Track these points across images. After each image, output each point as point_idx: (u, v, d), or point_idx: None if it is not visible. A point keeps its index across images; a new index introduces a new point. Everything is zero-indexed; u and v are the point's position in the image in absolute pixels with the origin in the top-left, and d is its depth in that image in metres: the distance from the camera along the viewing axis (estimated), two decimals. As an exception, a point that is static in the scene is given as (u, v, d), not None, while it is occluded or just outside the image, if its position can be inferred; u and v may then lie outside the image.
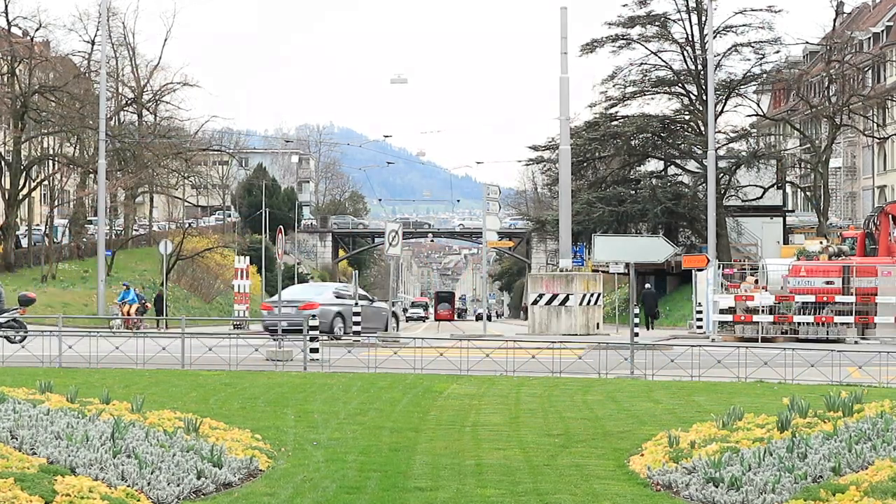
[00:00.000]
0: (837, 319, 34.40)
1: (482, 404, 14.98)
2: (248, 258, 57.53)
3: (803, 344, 27.75)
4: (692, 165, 62.13)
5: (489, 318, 67.10)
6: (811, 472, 8.82)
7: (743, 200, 63.18)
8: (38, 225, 74.25)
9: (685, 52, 62.35)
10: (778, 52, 63.58)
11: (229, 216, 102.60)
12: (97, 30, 68.65)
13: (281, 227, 38.79)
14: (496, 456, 10.81)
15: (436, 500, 8.81)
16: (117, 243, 72.40)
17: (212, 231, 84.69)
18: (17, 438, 9.59)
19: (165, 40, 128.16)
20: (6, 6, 62.69)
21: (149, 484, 8.72)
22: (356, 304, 33.20)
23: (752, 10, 61.30)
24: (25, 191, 63.26)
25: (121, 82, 78.06)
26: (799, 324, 34.88)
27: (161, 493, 8.60)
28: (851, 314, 33.77)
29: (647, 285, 55.99)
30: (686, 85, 62.81)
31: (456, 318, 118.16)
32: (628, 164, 65.55)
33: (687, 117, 63.75)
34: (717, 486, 8.75)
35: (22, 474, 8.18)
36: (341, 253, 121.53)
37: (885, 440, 9.39)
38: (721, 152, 59.91)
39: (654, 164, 66.65)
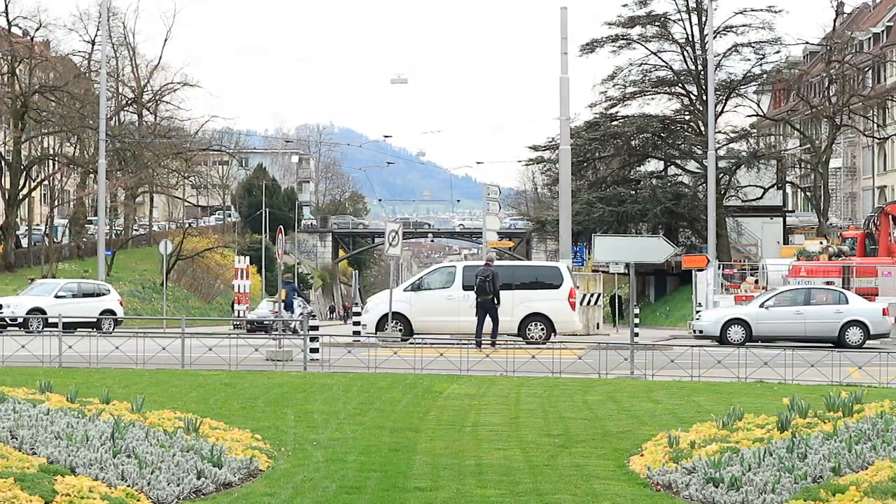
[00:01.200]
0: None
1: (482, 404, 14.98)
2: (248, 258, 57.60)
3: (803, 344, 27.75)
4: (692, 165, 62.10)
5: None
6: (811, 472, 8.82)
7: (743, 200, 63.16)
8: (38, 225, 74.26)
9: (685, 53, 62.34)
10: (778, 52, 63.62)
11: (229, 216, 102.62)
12: (97, 30, 68.68)
13: (281, 227, 38.83)
14: (496, 456, 10.81)
15: (436, 501, 8.81)
16: (117, 243, 72.41)
17: (212, 231, 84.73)
18: (17, 438, 9.59)
19: (165, 40, 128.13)
20: (6, 6, 62.76)
21: (149, 484, 8.72)
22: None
23: (753, 11, 61.32)
24: (25, 191, 63.28)
25: (121, 82, 78.04)
26: (799, 324, 34.87)
27: (161, 493, 8.60)
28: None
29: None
30: (686, 85, 62.79)
31: None
32: (628, 164, 65.54)
33: (687, 117, 63.74)
34: (717, 487, 8.75)
35: (22, 474, 8.18)
36: (341, 253, 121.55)
37: (885, 440, 9.39)
38: (721, 152, 59.87)
39: (654, 165, 66.63)
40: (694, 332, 32.80)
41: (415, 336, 28.74)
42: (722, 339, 30.67)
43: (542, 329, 29.55)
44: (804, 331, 30.61)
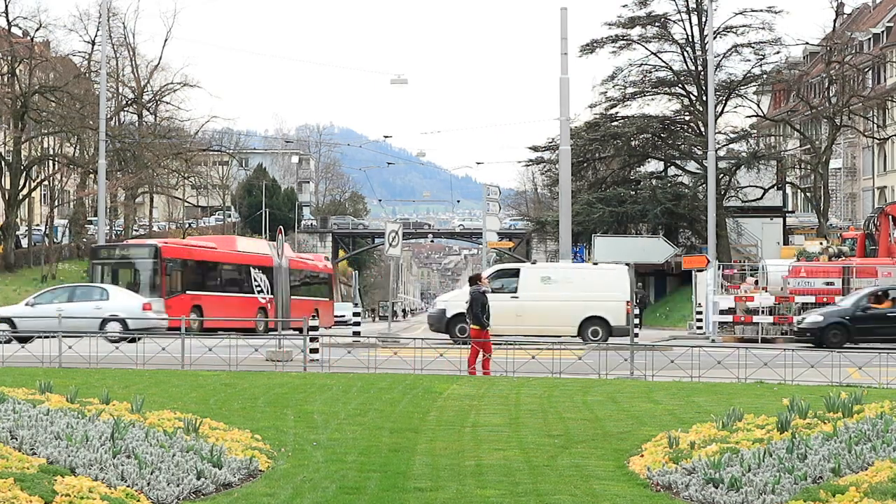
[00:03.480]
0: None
1: (482, 405, 14.97)
2: (248, 258, 57.36)
3: (803, 345, 27.75)
4: (692, 166, 62.13)
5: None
6: (811, 472, 8.82)
7: (743, 201, 63.19)
8: (38, 225, 74.27)
9: (685, 53, 62.38)
10: (778, 52, 63.67)
11: (229, 216, 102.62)
12: (97, 30, 68.67)
13: (281, 227, 38.75)
14: (496, 456, 10.80)
15: (435, 501, 8.81)
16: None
17: (212, 231, 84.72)
18: (17, 438, 9.59)
19: (166, 40, 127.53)
20: (6, 6, 62.81)
21: (148, 484, 8.72)
22: None
23: (753, 11, 61.35)
24: (25, 191, 63.30)
25: (121, 82, 77.95)
26: (799, 324, 34.85)
27: (161, 493, 8.60)
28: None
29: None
30: (686, 85, 62.81)
31: None
32: (628, 164, 65.60)
33: (687, 118, 63.76)
34: (716, 487, 8.75)
35: (22, 474, 8.18)
36: (341, 253, 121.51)
37: (885, 441, 9.39)
38: (721, 153, 59.91)
39: (654, 165, 66.71)
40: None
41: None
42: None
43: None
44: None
